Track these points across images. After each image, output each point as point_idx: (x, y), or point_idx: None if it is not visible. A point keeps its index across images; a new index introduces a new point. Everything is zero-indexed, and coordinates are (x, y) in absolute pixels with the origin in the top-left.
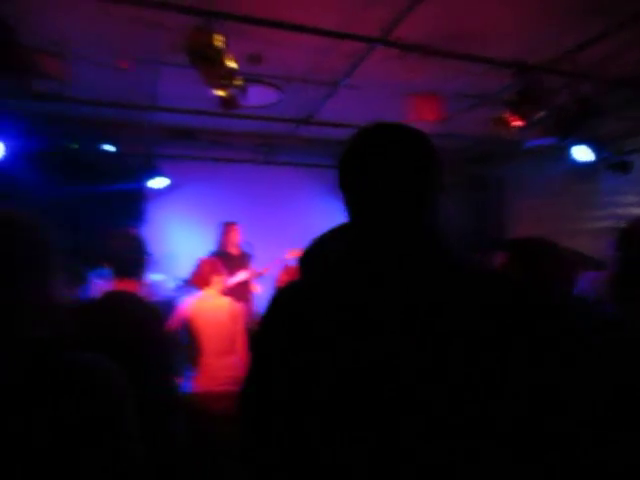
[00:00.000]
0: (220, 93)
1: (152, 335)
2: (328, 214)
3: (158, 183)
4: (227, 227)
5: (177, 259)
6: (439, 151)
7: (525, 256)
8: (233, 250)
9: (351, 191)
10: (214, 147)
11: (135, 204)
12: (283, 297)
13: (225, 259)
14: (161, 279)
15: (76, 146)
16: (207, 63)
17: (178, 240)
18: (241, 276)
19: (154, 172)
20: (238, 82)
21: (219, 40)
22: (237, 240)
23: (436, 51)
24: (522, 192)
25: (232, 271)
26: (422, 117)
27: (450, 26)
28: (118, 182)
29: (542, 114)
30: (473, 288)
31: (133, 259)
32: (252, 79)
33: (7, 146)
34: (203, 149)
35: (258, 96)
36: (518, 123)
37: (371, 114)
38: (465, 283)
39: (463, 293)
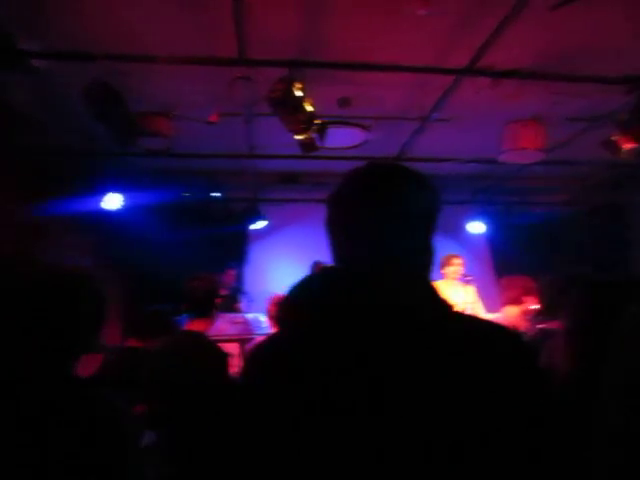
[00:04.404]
0: (299, 137)
1: (203, 379)
2: None
3: (260, 225)
4: (317, 268)
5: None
6: (437, 193)
7: None
8: None
9: (341, 232)
10: (315, 189)
11: (239, 246)
12: (265, 355)
13: None
14: (258, 317)
15: (187, 195)
16: (288, 111)
17: (280, 280)
18: None
19: (257, 215)
20: (317, 126)
21: (298, 88)
22: None
23: (530, 74)
24: None
25: None
26: (518, 145)
27: (550, 46)
28: (224, 226)
29: None
30: (473, 344)
31: (202, 300)
32: (339, 121)
33: (126, 198)
34: (305, 191)
35: (347, 137)
36: (630, 145)
37: (468, 146)
38: (465, 340)
39: (461, 353)
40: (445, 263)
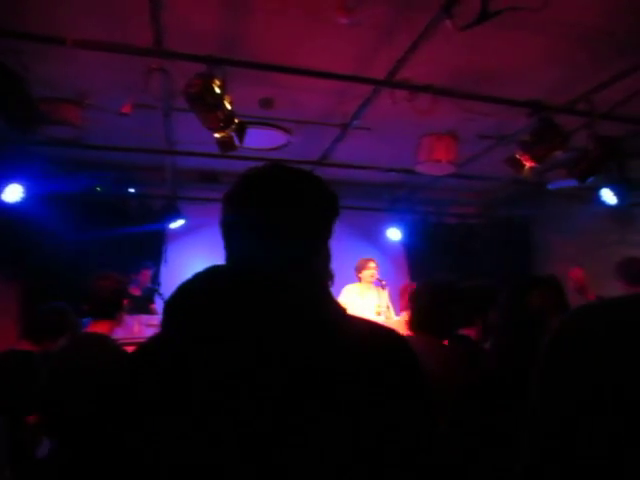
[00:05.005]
0: (218, 136)
1: (104, 382)
2: (343, 254)
3: (178, 224)
4: None
5: None
6: (334, 198)
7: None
8: None
9: (231, 231)
10: None
11: (156, 245)
12: (139, 356)
13: None
14: None
15: (99, 189)
16: (205, 108)
17: None
18: None
19: (175, 214)
20: (236, 125)
21: (218, 85)
22: None
23: (442, 91)
24: (553, 234)
25: None
26: (432, 157)
27: (462, 66)
28: (140, 224)
29: (557, 155)
30: (344, 349)
31: (107, 301)
32: (260, 122)
33: (27, 189)
34: (225, 191)
35: (267, 139)
36: (531, 164)
37: (386, 155)
38: (337, 344)
39: (333, 355)
40: (361, 267)
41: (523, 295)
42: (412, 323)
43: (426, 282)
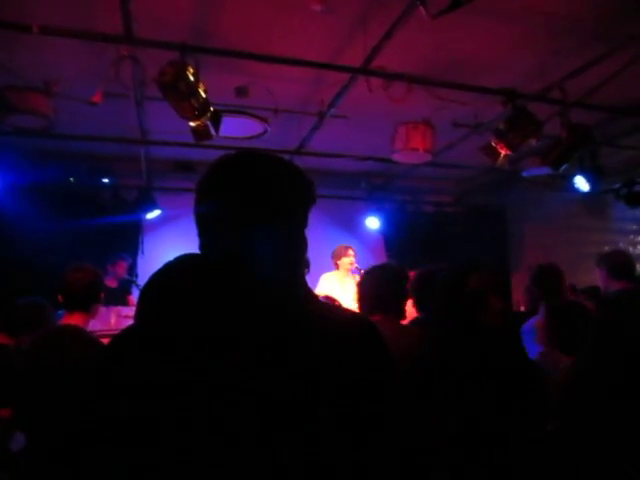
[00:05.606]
0: (192, 124)
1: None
2: (321, 243)
3: (153, 214)
4: None
5: None
6: (308, 185)
7: None
8: None
9: (203, 220)
10: None
11: (132, 236)
12: (121, 350)
13: None
14: None
15: (72, 180)
16: (179, 96)
17: None
18: None
19: (151, 204)
20: (211, 114)
21: (191, 73)
22: None
23: (416, 79)
24: (528, 221)
25: None
26: (409, 146)
27: (436, 54)
28: (115, 215)
29: (531, 143)
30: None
31: (81, 292)
32: (235, 110)
33: None
34: None
35: (243, 127)
36: (505, 152)
37: (364, 144)
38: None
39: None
40: (340, 254)
41: (461, 278)
42: (366, 307)
43: (371, 268)
